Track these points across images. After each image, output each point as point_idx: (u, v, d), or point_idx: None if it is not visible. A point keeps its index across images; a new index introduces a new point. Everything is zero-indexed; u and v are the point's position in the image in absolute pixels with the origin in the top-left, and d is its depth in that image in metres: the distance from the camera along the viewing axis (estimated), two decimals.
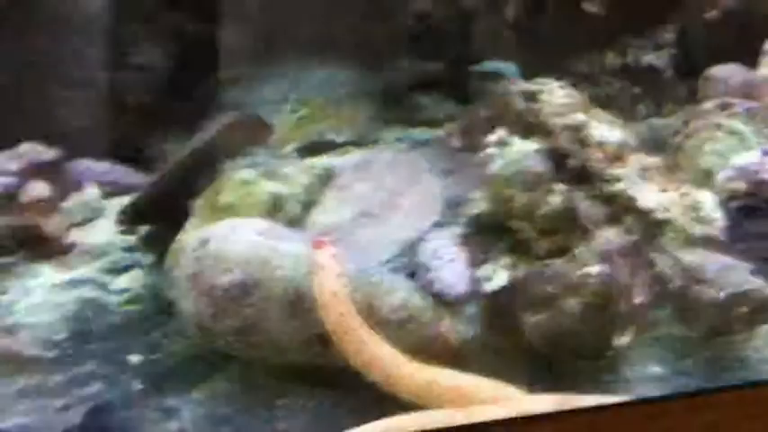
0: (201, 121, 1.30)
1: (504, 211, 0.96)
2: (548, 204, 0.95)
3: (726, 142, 1.25)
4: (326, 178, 1.16)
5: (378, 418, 0.90)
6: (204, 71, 1.58)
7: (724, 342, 1.07)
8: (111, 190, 1.37)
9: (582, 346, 0.98)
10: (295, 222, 1.07)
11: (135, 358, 1.05)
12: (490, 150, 1.10)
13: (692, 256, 1.08)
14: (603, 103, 1.56)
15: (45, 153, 1.31)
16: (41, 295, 1.18)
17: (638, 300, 0.99)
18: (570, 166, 1.18)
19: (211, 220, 1.04)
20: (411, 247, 1.07)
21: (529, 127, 1.25)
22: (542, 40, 1.64)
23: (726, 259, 1.09)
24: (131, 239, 1.27)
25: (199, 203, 1.06)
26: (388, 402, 0.92)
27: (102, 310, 1.15)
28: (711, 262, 1.07)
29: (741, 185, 1.17)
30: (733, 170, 1.19)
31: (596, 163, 1.16)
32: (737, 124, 1.25)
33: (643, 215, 1.13)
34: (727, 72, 1.45)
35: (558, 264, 0.97)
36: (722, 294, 1.02)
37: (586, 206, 1.00)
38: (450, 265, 0.98)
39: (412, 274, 1.04)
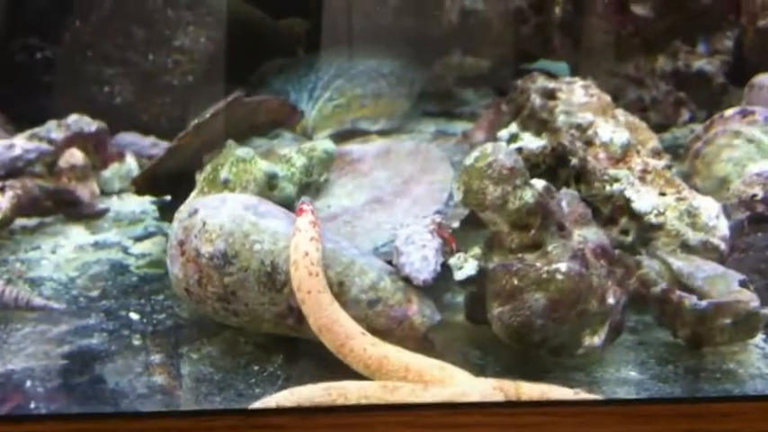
0: None
1: (476, 203, 0.97)
2: (520, 199, 0.96)
3: (743, 150, 1.22)
4: (328, 162, 1.20)
5: None
6: (254, 57, 1.66)
7: (708, 352, 1.05)
8: None
9: (548, 341, 0.98)
10: (288, 201, 1.12)
11: (137, 316, 1.13)
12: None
13: (682, 262, 1.07)
14: (646, 106, 1.55)
15: (90, 125, 1.42)
16: (68, 254, 1.28)
17: (611, 300, 0.99)
18: (571, 164, 1.19)
19: (209, 194, 1.10)
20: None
21: (542, 124, 1.26)
22: (592, 42, 1.63)
23: (718, 268, 1.07)
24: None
25: (201, 177, 1.13)
26: (361, 377, 0.95)
27: (120, 270, 1.24)
28: (702, 270, 1.05)
29: (756, 194, 1.14)
30: (748, 178, 1.17)
31: (597, 163, 1.16)
32: (756, 132, 1.21)
33: (637, 217, 1.12)
34: None
35: (528, 258, 0.98)
36: (704, 303, 1.00)
37: (567, 204, 1.01)
38: (421, 251, 1.01)
39: None
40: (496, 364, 1.03)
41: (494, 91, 1.71)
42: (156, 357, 1.05)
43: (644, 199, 1.12)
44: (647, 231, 1.12)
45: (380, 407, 0.86)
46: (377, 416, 0.84)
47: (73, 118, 1.43)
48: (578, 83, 1.31)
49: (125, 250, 1.30)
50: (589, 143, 1.20)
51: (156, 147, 1.47)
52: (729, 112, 1.29)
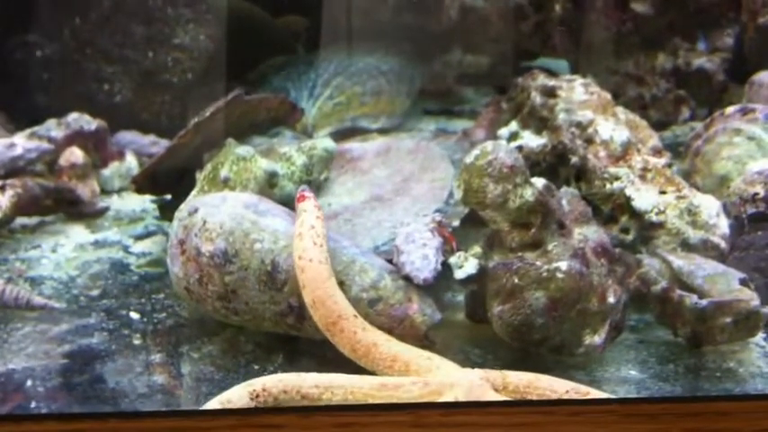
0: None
1: (476, 202, 0.97)
2: (520, 197, 0.96)
3: (744, 148, 1.21)
4: (328, 160, 1.20)
5: None
6: (254, 55, 1.66)
7: (708, 351, 1.05)
8: None
9: (548, 340, 0.98)
10: (289, 200, 1.12)
11: (137, 315, 1.13)
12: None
13: (683, 261, 1.06)
14: (647, 104, 1.55)
15: (90, 123, 1.42)
16: (68, 252, 1.28)
17: (611, 299, 0.99)
18: (571, 162, 1.19)
19: (210, 193, 1.10)
20: None
21: (542, 121, 1.26)
22: (592, 39, 1.63)
23: (718, 266, 1.07)
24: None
25: (201, 175, 1.13)
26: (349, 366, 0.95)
27: (120, 269, 1.24)
28: (702, 268, 1.05)
29: (757, 192, 1.14)
30: (748, 176, 1.16)
31: (597, 161, 1.16)
32: (757, 130, 1.21)
33: (638, 216, 1.12)
34: None
35: (528, 257, 0.98)
36: (705, 302, 1.00)
37: (567, 202, 1.00)
38: (422, 250, 1.01)
39: None
40: (497, 363, 1.03)
41: (494, 89, 1.71)
42: (157, 357, 1.05)
43: (644, 197, 1.12)
44: (647, 230, 1.12)
45: (381, 406, 0.86)
46: (377, 415, 0.84)
47: (73, 116, 1.42)
48: (578, 81, 1.31)
49: (125, 249, 1.30)
50: (589, 141, 1.20)
51: (156, 145, 1.47)
52: (730, 109, 1.29)
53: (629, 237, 1.14)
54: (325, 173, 1.21)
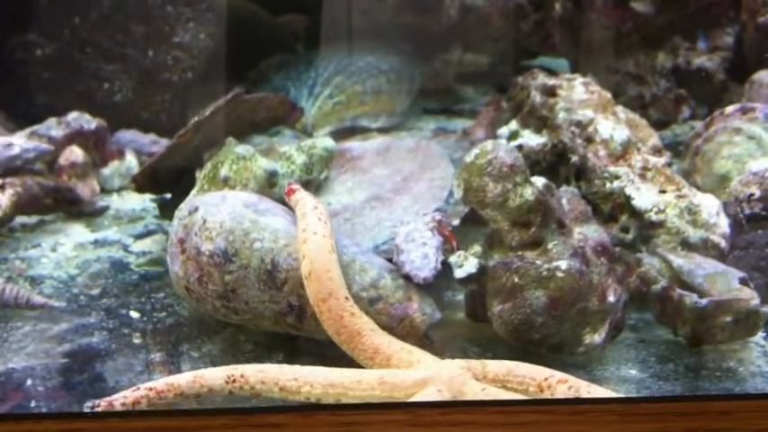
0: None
1: (476, 201, 0.97)
2: (520, 196, 0.96)
3: (744, 147, 1.22)
4: (328, 159, 1.20)
5: None
6: (254, 53, 1.66)
7: (708, 350, 1.05)
8: None
9: (548, 339, 0.98)
10: None
11: (137, 315, 1.13)
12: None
13: (683, 260, 1.06)
14: (647, 103, 1.55)
15: (90, 122, 1.42)
16: (68, 251, 1.28)
17: (611, 298, 0.99)
18: (571, 161, 1.19)
19: (210, 192, 1.10)
20: None
21: (542, 120, 1.26)
22: (592, 38, 1.63)
23: (718, 265, 1.07)
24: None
25: (201, 174, 1.13)
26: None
27: (120, 268, 1.24)
28: (702, 267, 1.05)
29: (753, 193, 1.14)
30: (748, 176, 1.16)
31: (597, 160, 1.16)
32: (757, 129, 1.21)
33: (638, 215, 1.12)
34: None
35: (528, 256, 0.98)
36: (705, 301, 1.00)
37: (567, 201, 1.00)
38: (422, 248, 1.01)
39: None
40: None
41: (494, 88, 1.72)
42: (157, 356, 1.05)
43: (644, 196, 1.12)
44: (647, 229, 1.12)
45: (380, 405, 0.86)
46: (376, 414, 0.84)
47: (73, 115, 1.43)
48: (578, 80, 1.31)
49: (125, 248, 1.30)
50: (589, 140, 1.20)
51: (156, 144, 1.47)
52: (730, 108, 1.29)
53: (629, 236, 1.14)
54: (325, 172, 1.21)
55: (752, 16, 1.56)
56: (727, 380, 1.01)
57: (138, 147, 1.47)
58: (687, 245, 1.10)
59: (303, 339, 1.04)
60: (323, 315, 0.95)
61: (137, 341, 1.07)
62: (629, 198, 1.13)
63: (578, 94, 1.26)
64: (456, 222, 1.13)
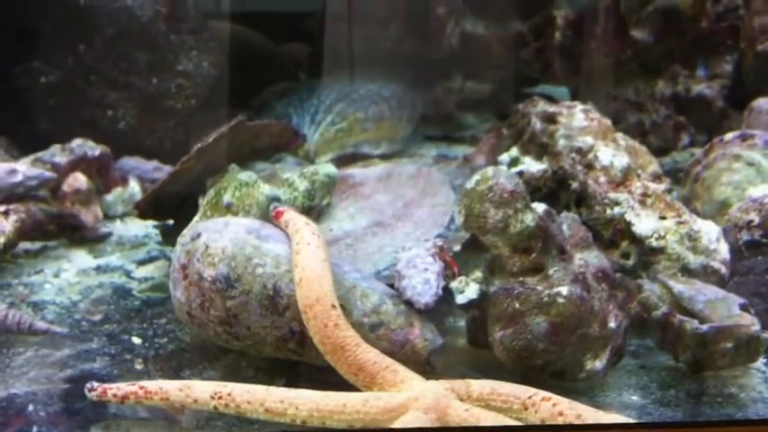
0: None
1: (477, 227, 0.98)
2: (521, 222, 0.97)
3: (743, 173, 1.22)
4: (330, 186, 1.20)
5: None
6: (256, 81, 1.67)
7: (709, 376, 1.05)
8: None
9: (550, 365, 0.98)
10: None
11: (139, 340, 1.13)
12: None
13: (683, 286, 1.07)
14: (646, 130, 1.56)
15: (94, 149, 1.43)
16: (70, 277, 1.28)
17: (612, 324, 0.99)
18: (572, 188, 1.19)
19: (212, 218, 1.11)
20: None
21: (543, 147, 1.27)
22: (592, 66, 1.64)
23: (719, 292, 1.07)
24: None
25: (204, 201, 1.14)
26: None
27: (123, 294, 1.25)
28: (703, 293, 1.06)
29: (752, 219, 1.15)
30: (747, 202, 1.17)
31: (597, 186, 1.17)
32: (756, 156, 1.22)
33: (638, 241, 1.13)
34: None
35: (529, 281, 0.98)
36: (705, 327, 1.01)
37: (568, 227, 1.01)
38: (423, 274, 1.01)
39: None
40: None
41: (494, 115, 1.73)
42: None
43: (644, 222, 1.13)
44: (647, 255, 1.12)
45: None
46: None
47: (77, 142, 1.44)
48: (578, 107, 1.32)
49: (128, 274, 1.31)
50: (589, 167, 1.21)
51: (159, 171, 1.48)
52: (729, 135, 1.30)
53: (630, 262, 1.14)
54: (326, 198, 1.22)
55: (750, 44, 1.57)
56: (728, 406, 1.01)
57: (141, 173, 1.48)
58: (687, 271, 1.11)
59: (304, 365, 1.04)
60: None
61: (138, 367, 1.08)
62: (629, 224, 1.13)
63: (578, 122, 1.27)
64: (457, 248, 1.13)
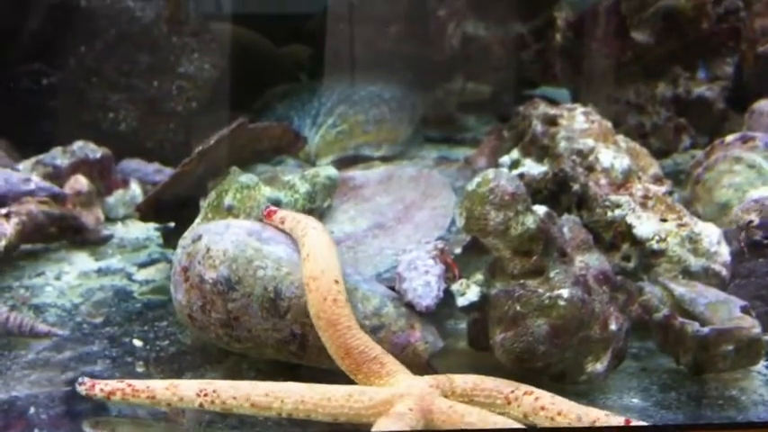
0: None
1: (478, 229, 0.98)
2: (521, 225, 0.97)
3: (744, 175, 1.22)
4: (331, 188, 1.20)
5: None
6: (257, 83, 1.68)
7: (710, 379, 1.05)
8: None
9: (551, 367, 0.98)
10: None
11: (140, 343, 1.13)
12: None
13: (684, 288, 1.07)
14: (647, 132, 1.56)
15: (95, 151, 1.43)
16: (72, 280, 1.28)
17: (613, 327, 0.99)
18: (572, 190, 1.19)
19: (213, 220, 1.11)
20: None
21: (543, 149, 1.27)
22: (593, 68, 1.64)
23: (720, 294, 1.07)
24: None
25: (205, 203, 1.14)
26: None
27: (124, 297, 1.25)
28: (704, 296, 1.06)
29: (754, 219, 1.15)
30: (745, 205, 1.17)
31: (598, 189, 1.17)
32: (757, 158, 1.22)
33: (639, 243, 1.13)
34: None
35: (530, 284, 0.98)
36: (706, 329, 1.01)
37: (569, 230, 1.01)
38: (424, 277, 1.01)
39: None
40: None
41: (495, 117, 1.73)
42: None
43: (645, 225, 1.13)
44: (648, 257, 1.12)
45: None
46: None
47: (78, 144, 1.44)
48: (579, 109, 1.32)
49: (129, 277, 1.31)
50: (590, 169, 1.21)
51: (160, 173, 1.48)
52: (730, 137, 1.30)
53: (631, 264, 1.14)
54: (327, 201, 1.22)
55: (751, 46, 1.58)
56: (729, 408, 1.01)
57: (142, 176, 1.48)
58: (688, 273, 1.11)
59: (305, 368, 1.04)
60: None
61: (140, 369, 1.08)
62: (630, 226, 1.13)
63: (579, 124, 1.27)
64: (458, 251, 1.13)
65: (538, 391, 0.94)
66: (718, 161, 1.26)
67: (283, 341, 1.01)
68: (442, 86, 1.71)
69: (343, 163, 1.50)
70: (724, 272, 1.11)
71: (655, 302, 1.06)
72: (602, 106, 1.48)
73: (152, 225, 1.40)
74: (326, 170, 1.20)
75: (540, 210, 1.00)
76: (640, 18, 1.59)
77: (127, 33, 1.51)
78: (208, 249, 1.03)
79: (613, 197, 1.15)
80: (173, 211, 1.23)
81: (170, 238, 1.27)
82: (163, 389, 0.95)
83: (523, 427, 0.92)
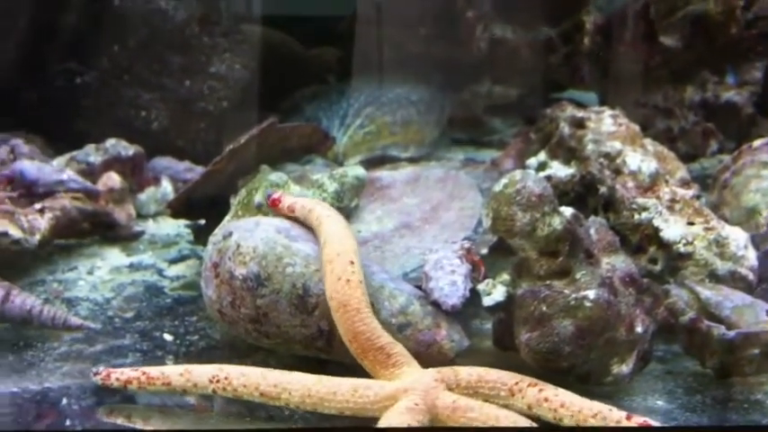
0: None
1: (505, 230, 0.99)
2: (548, 226, 0.98)
3: None
4: (359, 188, 1.22)
5: None
6: (287, 84, 1.69)
7: (736, 382, 1.05)
8: None
9: (576, 368, 0.99)
10: None
11: (170, 337, 1.15)
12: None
13: (711, 292, 1.07)
14: (675, 136, 1.56)
15: (128, 149, 1.46)
16: (104, 275, 1.31)
17: (639, 329, 1.00)
18: (599, 192, 1.20)
19: (243, 217, 1.13)
20: None
21: (570, 152, 1.27)
22: (621, 72, 1.64)
23: (746, 298, 1.07)
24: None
25: (236, 201, 1.16)
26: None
27: (155, 292, 1.27)
28: (730, 299, 1.06)
29: None
30: None
31: (625, 191, 1.17)
32: None
33: (666, 246, 1.13)
34: None
35: (557, 285, 0.98)
36: (732, 333, 1.01)
37: (595, 231, 1.02)
38: (450, 276, 1.02)
39: None
40: None
41: (522, 119, 1.73)
42: None
43: (672, 228, 1.13)
44: (675, 260, 1.13)
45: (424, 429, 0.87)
46: None
47: (111, 142, 1.46)
48: (607, 112, 1.33)
49: (160, 272, 1.33)
50: (617, 172, 1.21)
51: (191, 171, 1.50)
52: (758, 142, 1.29)
53: (657, 267, 1.14)
54: (355, 200, 1.23)
55: None
56: (754, 412, 1.01)
57: (173, 173, 1.50)
58: (715, 277, 1.11)
59: (332, 363, 1.05)
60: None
61: (170, 363, 1.09)
62: (657, 229, 1.13)
63: (607, 127, 1.28)
64: (484, 251, 1.14)
65: (542, 384, 0.95)
66: (746, 166, 1.26)
67: (311, 337, 1.03)
68: (470, 89, 1.71)
69: (370, 163, 1.51)
70: (751, 276, 1.11)
71: (681, 305, 1.06)
72: (629, 110, 1.48)
73: (182, 222, 1.42)
74: (355, 170, 1.21)
75: (567, 211, 1.01)
76: (669, 22, 1.59)
77: (159, 33, 1.54)
78: (238, 246, 1.05)
79: (640, 200, 1.16)
80: (203, 208, 1.25)
81: (200, 235, 1.29)
82: (177, 375, 0.97)
83: (525, 425, 0.92)
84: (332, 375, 1.06)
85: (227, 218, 1.15)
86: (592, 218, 1.07)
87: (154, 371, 0.98)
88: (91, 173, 1.41)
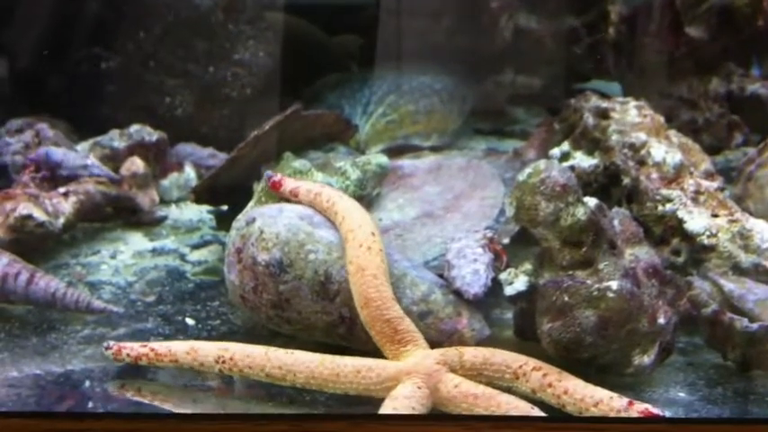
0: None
1: (528, 219, 0.99)
2: (572, 216, 0.97)
3: None
4: (381, 176, 1.22)
5: None
6: (310, 72, 1.69)
7: (758, 375, 1.04)
8: None
9: (597, 358, 0.99)
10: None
11: (192, 322, 1.16)
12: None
13: (734, 284, 1.06)
14: (700, 128, 1.55)
15: (151, 134, 1.46)
16: (126, 259, 1.32)
17: (662, 320, 0.99)
18: (623, 183, 1.19)
19: (267, 204, 1.13)
20: None
21: (594, 142, 1.27)
22: (645, 63, 1.63)
23: None
24: None
25: (259, 187, 1.16)
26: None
27: (177, 277, 1.28)
28: (753, 292, 1.05)
29: None
30: None
31: (649, 183, 1.16)
32: None
33: (689, 238, 1.13)
34: None
35: (579, 275, 0.98)
36: (755, 326, 1.00)
37: (619, 222, 1.01)
38: (472, 265, 1.02)
39: None
40: None
41: (545, 110, 1.72)
42: None
43: (696, 220, 1.12)
44: (698, 252, 1.12)
45: (431, 417, 0.87)
46: (430, 426, 0.86)
47: (135, 127, 1.47)
48: (631, 103, 1.32)
49: (182, 257, 1.34)
50: (642, 163, 1.21)
51: (214, 157, 1.50)
52: None
53: (681, 259, 1.14)
54: (377, 188, 1.23)
55: None
56: None
57: (196, 159, 1.50)
58: (738, 269, 1.10)
59: (353, 350, 1.05)
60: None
61: None
62: (681, 221, 1.13)
63: (631, 117, 1.27)
64: (506, 241, 1.13)
65: (547, 367, 0.95)
66: None
67: (332, 324, 1.03)
68: (493, 78, 1.71)
69: (392, 152, 1.51)
70: None
71: (704, 297, 1.06)
72: (654, 101, 1.47)
73: (205, 208, 1.43)
74: (377, 158, 1.22)
75: (591, 201, 1.00)
76: (694, 13, 1.57)
77: (184, 19, 1.54)
78: (261, 232, 1.05)
79: (664, 191, 1.15)
80: (226, 194, 1.26)
81: (223, 221, 1.29)
82: (184, 353, 0.99)
83: (525, 413, 0.92)
84: None
85: (251, 204, 1.15)
86: (615, 209, 1.06)
87: (162, 348, 1.00)
88: (114, 158, 1.42)
